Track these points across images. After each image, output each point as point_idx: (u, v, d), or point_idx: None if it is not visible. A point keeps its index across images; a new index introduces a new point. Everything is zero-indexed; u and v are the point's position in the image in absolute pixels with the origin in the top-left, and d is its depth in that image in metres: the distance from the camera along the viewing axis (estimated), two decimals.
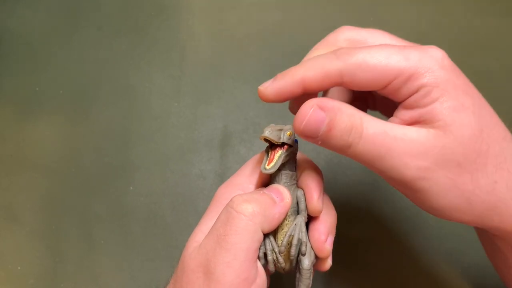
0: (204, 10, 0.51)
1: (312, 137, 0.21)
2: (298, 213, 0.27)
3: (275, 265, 0.26)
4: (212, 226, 0.24)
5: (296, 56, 0.48)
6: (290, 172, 0.27)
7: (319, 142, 0.21)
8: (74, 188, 0.45)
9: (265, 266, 0.26)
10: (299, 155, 0.28)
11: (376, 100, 0.28)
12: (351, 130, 0.20)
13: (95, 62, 0.50)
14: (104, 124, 0.47)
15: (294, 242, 0.25)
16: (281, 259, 0.26)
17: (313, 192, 0.26)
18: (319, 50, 0.25)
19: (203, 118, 0.46)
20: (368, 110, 0.29)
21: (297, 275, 0.27)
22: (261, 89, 0.23)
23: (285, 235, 0.26)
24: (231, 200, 0.24)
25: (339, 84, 0.21)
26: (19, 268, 0.43)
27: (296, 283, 0.27)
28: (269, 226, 0.24)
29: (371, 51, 0.21)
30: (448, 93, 0.19)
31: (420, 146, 0.19)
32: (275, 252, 0.25)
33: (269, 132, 0.25)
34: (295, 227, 0.26)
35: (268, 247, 0.25)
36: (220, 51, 0.49)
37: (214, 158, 0.45)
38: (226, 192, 0.27)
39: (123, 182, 0.44)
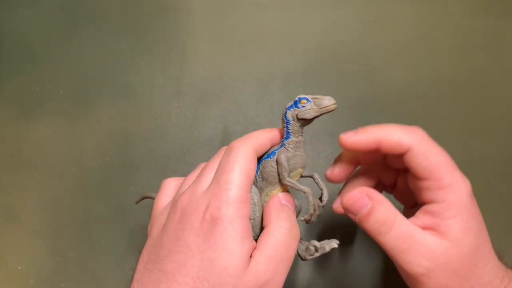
0: (204, 10, 0.51)
1: (353, 214, 0.27)
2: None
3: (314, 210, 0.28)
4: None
5: (296, 56, 0.49)
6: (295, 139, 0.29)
7: (357, 220, 0.27)
8: (74, 188, 0.45)
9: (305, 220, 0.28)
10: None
11: (397, 190, 0.33)
12: (385, 223, 0.26)
13: (95, 62, 0.50)
14: (104, 124, 0.47)
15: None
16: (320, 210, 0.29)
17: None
18: None
19: (203, 118, 0.46)
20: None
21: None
22: (344, 138, 0.27)
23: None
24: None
25: (402, 154, 0.26)
26: (19, 267, 0.43)
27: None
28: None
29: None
30: (463, 215, 0.25)
31: (433, 253, 0.25)
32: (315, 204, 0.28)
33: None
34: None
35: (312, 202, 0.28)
36: (220, 51, 0.49)
37: None
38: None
39: (123, 182, 0.44)
